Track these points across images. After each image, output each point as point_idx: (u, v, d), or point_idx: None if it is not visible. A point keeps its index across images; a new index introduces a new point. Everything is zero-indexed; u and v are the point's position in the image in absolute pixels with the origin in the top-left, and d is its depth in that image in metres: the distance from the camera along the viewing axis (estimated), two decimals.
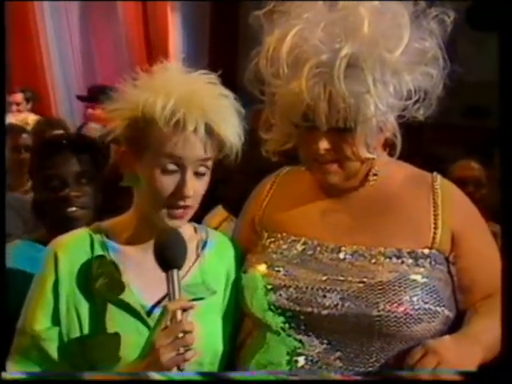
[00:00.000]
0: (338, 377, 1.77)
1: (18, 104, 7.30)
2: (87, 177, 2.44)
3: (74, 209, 2.40)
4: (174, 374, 1.69)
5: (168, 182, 1.79)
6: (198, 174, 1.81)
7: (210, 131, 1.79)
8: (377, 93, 1.75)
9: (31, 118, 6.38)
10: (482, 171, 4.18)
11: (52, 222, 2.43)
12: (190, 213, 1.84)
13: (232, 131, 1.82)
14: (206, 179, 1.84)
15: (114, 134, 1.83)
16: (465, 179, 3.88)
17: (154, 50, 8.31)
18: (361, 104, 1.74)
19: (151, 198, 1.82)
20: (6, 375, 1.75)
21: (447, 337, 1.79)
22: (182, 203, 1.80)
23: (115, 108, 1.82)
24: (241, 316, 1.94)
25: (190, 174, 1.79)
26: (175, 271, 1.71)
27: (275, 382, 1.81)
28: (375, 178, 1.90)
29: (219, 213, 3.27)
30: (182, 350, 1.65)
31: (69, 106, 8.66)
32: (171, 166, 1.79)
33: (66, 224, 2.26)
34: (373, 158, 1.84)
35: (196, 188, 1.81)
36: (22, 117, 6.39)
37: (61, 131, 4.87)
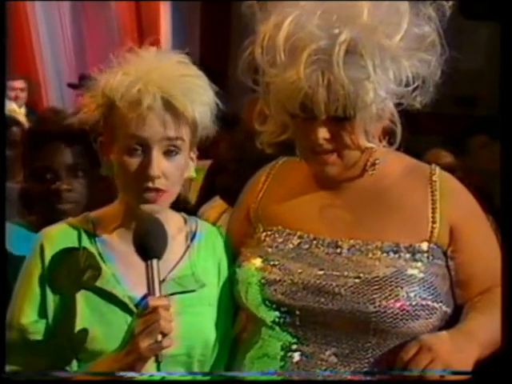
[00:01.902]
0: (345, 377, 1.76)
1: (22, 90, 7.21)
2: (80, 169, 2.39)
3: (64, 204, 2.35)
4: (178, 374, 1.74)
5: (134, 164, 1.76)
6: (167, 155, 1.77)
7: (170, 108, 1.75)
8: (376, 79, 1.71)
9: (18, 108, 6.26)
10: (453, 159, 4.22)
11: (42, 214, 2.39)
12: (166, 197, 1.79)
13: (198, 109, 1.78)
14: (180, 160, 1.80)
15: (90, 123, 1.81)
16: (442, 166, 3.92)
17: (145, 39, 8.26)
18: (360, 91, 1.70)
19: (123, 183, 1.81)
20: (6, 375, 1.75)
21: (443, 332, 1.76)
22: (151, 185, 1.75)
23: (91, 95, 1.81)
24: (235, 308, 1.92)
25: (155, 154, 1.75)
26: (155, 261, 1.67)
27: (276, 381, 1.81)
28: (374, 167, 1.86)
29: (218, 204, 3.23)
30: (159, 337, 1.63)
31: (60, 95, 8.62)
32: (135, 147, 1.76)
33: (56, 218, 2.19)
34: (372, 147, 1.80)
35: (166, 169, 1.77)
36: (11, 106, 6.29)
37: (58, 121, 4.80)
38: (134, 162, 1.77)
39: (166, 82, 1.75)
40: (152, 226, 1.73)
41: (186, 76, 1.79)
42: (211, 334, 1.85)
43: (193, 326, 1.80)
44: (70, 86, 7.71)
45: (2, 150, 2.20)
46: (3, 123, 2.58)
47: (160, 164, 1.75)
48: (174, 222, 1.89)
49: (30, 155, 2.46)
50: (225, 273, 1.92)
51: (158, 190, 1.76)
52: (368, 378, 1.75)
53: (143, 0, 8.66)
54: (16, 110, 6.11)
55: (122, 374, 1.67)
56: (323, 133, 1.76)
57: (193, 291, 1.84)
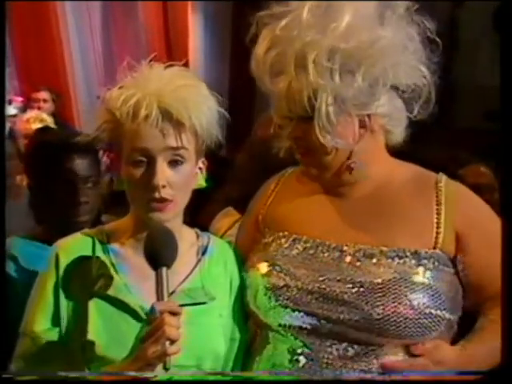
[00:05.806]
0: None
1: (45, 101, 7.27)
2: (93, 180, 2.43)
3: (80, 216, 2.38)
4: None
5: (139, 175, 1.78)
6: (172, 165, 1.79)
7: (168, 117, 1.76)
8: (334, 83, 1.75)
9: (44, 117, 6.27)
10: (492, 176, 4.11)
11: (56, 224, 2.40)
12: (173, 206, 1.80)
13: (197, 117, 1.79)
14: (186, 170, 1.81)
15: (100, 138, 1.85)
16: (479, 185, 3.80)
17: (174, 51, 8.31)
18: (317, 93, 1.75)
19: (131, 195, 1.83)
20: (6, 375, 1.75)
21: (451, 351, 1.80)
22: (157, 195, 1.77)
23: (99, 113, 1.84)
24: (247, 317, 1.93)
25: (159, 164, 1.77)
26: (164, 269, 1.68)
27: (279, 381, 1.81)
28: (351, 170, 1.86)
29: (230, 213, 3.25)
30: (167, 344, 1.61)
31: (90, 107, 8.69)
32: (140, 159, 1.78)
33: (71, 229, 2.23)
34: (348, 149, 1.83)
35: (171, 179, 1.78)
36: (36, 113, 6.32)
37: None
38: (139, 173, 1.78)
39: (163, 92, 1.76)
40: (162, 235, 1.75)
41: (184, 85, 1.80)
42: (221, 346, 1.86)
43: (201, 336, 1.82)
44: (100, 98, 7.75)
45: (2, 150, 2.22)
46: (3, 123, 2.62)
47: (164, 174, 1.77)
48: (186, 237, 1.93)
49: (43, 167, 2.47)
50: (236, 286, 1.94)
51: (164, 199, 1.78)
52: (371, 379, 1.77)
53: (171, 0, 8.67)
54: (46, 118, 6.13)
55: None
56: (294, 131, 1.83)
57: (203, 303, 1.86)
